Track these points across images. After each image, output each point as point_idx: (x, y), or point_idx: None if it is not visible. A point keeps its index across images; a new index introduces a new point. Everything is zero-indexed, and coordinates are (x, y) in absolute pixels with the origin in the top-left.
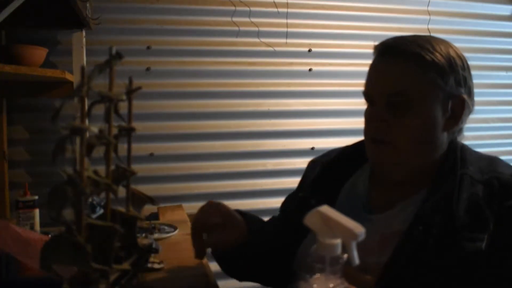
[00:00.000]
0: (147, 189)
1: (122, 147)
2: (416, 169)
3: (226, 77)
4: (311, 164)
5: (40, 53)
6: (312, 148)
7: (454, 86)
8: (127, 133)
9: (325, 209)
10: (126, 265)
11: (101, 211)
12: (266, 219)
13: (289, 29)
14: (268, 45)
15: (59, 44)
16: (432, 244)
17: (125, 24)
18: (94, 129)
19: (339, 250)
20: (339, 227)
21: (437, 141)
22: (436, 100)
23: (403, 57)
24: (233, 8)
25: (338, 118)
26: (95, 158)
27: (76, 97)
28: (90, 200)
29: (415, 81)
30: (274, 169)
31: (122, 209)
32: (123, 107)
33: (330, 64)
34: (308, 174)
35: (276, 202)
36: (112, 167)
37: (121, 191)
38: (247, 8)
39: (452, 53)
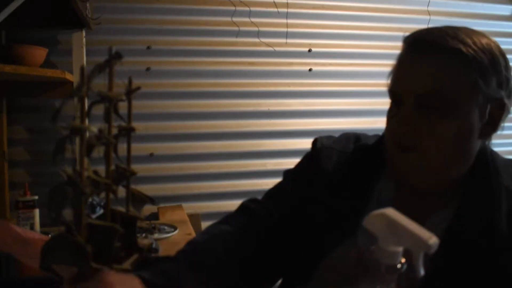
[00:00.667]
0: (147, 189)
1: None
2: (446, 180)
3: (226, 77)
4: (325, 151)
5: (40, 53)
6: None
7: (495, 88)
8: (127, 133)
9: (392, 212)
10: (126, 265)
11: (101, 211)
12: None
13: (289, 29)
14: (268, 45)
15: (59, 44)
16: (472, 267)
17: (125, 24)
18: (94, 129)
19: (399, 259)
20: (409, 234)
21: (472, 150)
22: (474, 104)
23: (440, 52)
24: (233, 8)
25: (338, 118)
26: (95, 158)
27: (76, 97)
28: (90, 200)
29: (453, 81)
30: (274, 169)
31: (122, 209)
32: (123, 107)
33: (330, 64)
34: (322, 163)
35: None
36: (112, 167)
37: (121, 191)
38: (247, 8)
39: (495, 49)
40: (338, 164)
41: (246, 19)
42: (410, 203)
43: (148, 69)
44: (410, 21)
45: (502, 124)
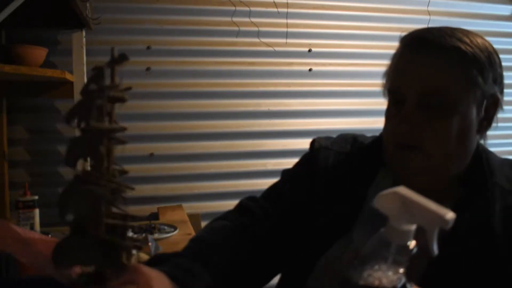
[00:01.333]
0: (147, 189)
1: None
2: (445, 178)
3: (226, 77)
4: (322, 151)
5: (40, 53)
6: None
7: (491, 84)
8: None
9: (404, 190)
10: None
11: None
12: None
13: (289, 29)
14: (268, 45)
15: (59, 44)
16: (469, 266)
17: (125, 24)
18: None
19: (411, 239)
20: (424, 211)
21: (471, 146)
22: (474, 100)
23: (441, 51)
24: (233, 8)
25: (338, 118)
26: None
27: (96, 98)
28: None
29: (455, 78)
30: (274, 169)
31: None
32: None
33: (330, 64)
34: (319, 163)
35: None
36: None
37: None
38: (247, 8)
39: (489, 47)
40: (335, 164)
41: (246, 19)
42: None
43: (148, 69)
44: (410, 21)
45: (495, 120)
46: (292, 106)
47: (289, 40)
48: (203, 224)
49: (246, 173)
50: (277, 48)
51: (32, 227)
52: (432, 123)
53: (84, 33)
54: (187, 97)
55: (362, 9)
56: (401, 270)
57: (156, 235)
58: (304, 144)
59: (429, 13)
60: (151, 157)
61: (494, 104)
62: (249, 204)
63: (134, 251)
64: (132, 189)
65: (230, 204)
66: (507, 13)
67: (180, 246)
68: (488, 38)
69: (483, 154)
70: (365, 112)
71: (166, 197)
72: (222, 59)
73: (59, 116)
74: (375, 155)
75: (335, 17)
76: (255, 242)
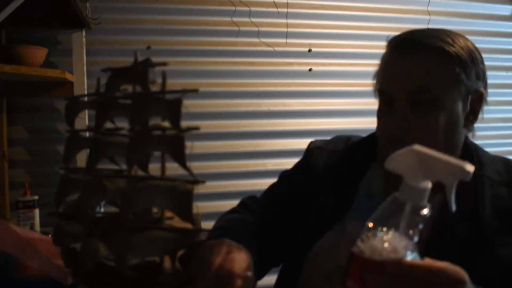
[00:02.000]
0: None
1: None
2: None
3: (226, 77)
4: (316, 151)
5: (40, 53)
6: None
7: (474, 80)
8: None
9: (419, 147)
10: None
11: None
12: None
13: (289, 29)
14: (268, 45)
15: (59, 44)
16: (461, 254)
17: (125, 24)
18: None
19: (427, 198)
20: (443, 164)
21: (458, 140)
22: (459, 96)
23: (426, 51)
24: (233, 8)
25: (338, 118)
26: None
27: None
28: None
29: (440, 76)
30: (274, 169)
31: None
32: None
33: (330, 64)
34: (313, 162)
35: None
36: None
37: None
38: (247, 8)
39: (471, 46)
40: (328, 162)
41: (246, 19)
42: None
43: None
44: (410, 21)
45: (481, 114)
46: (292, 106)
47: (289, 40)
48: (203, 224)
49: (246, 173)
50: (277, 48)
51: (32, 227)
52: (421, 119)
53: (84, 33)
54: (187, 97)
55: (362, 9)
56: (415, 237)
57: None
58: (304, 144)
59: (429, 13)
60: (151, 157)
61: (478, 99)
62: (249, 202)
63: None
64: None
65: (230, 204)
66: (507, 13)
67: None
68: (488, 38)
69: (472, 148)
70: (365, 112)
71: None
72: (222, 59)
73: (59, 116)
74: (366, 151)
75: (335, 17)
76: (258, 237)
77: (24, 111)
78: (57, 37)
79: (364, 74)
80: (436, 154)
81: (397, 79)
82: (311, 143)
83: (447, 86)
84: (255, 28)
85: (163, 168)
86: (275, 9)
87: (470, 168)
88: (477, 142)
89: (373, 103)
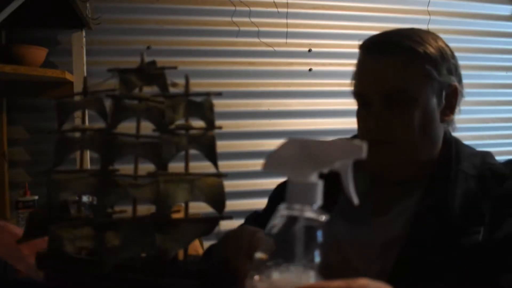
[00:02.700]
0: None
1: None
2: (417, 167)
3: (226, 77)
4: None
5: (40, 53)
6: None
7: (446, 75)
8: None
9: (301, 138)
10: None
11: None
12: None
13: (289, 29)
14: (268, 45)
15: (59, 44)
16: (433, 245)
17: (125, 24)
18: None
19: (319, 196)
20: (333, 148)
21: (436, 135)
22: (432, 92)
23: (396, 52)
24: (233, 8)
25: (338, 118)
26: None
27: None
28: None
29: (411, 75)
30: None
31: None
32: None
33: (330, 64)
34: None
35: None
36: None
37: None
38: (247, 8)
39: (440, 43)
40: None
41: (246, 19)
42: (381, 194)
43: None
44: (410, 21)
45: (458, 107)
46: (292, 106)
47: (289, 40)
48: None
49: (246, 173)
50: (277, 48)
51: None
52: (397, 118)
53: (84, 33)
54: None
55: (362, 9)
56: (315, 253)
57: None
58: None
59: (429, 13)
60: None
61: (453, 93)
62: (252, 217)
63: None
64: None
65: (230, 204)
66: (507, 13)
67: None
68: (488, 38)
69: (452, 142)
70: None
71: None
72: (222, 59)
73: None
74: None
75: (335, 17)
76: None
77: (24, 111)
78: (57, 37)
79: None
80: (317, 140)
81: (370, 80)
82: None
83: (419, 83)
84: (255, 28)
85: (186, 166)
86: (275, 9)
87: (362, 145)
88: (477, 142)
89: None
